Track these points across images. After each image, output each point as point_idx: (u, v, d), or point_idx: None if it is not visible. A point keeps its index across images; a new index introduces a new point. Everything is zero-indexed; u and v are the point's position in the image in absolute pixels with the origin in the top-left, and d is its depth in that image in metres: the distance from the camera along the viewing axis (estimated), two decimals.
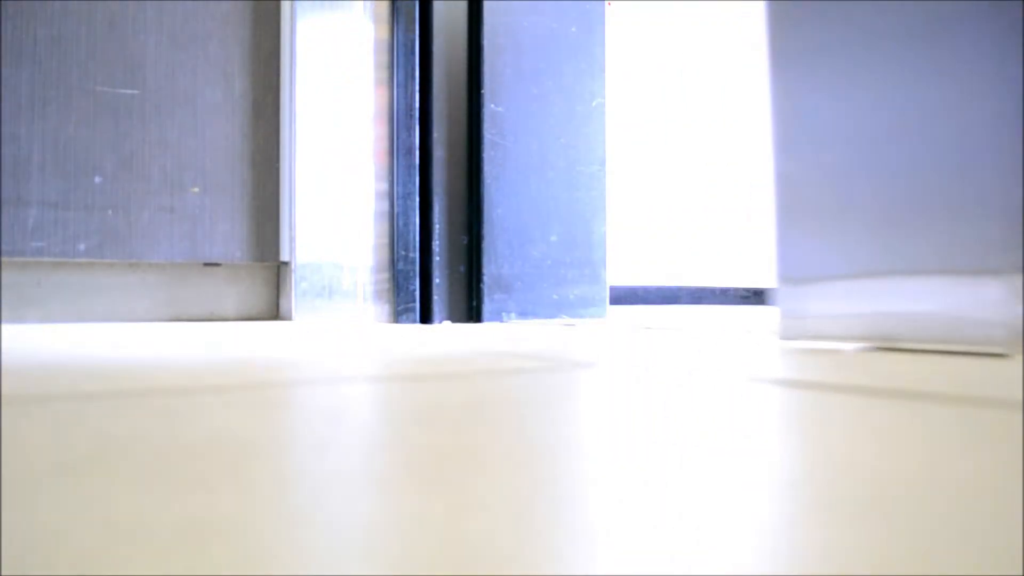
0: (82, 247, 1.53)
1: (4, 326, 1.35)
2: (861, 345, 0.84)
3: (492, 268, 1.60)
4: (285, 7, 1.71)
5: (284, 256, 1.69)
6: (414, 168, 1.69)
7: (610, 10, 3.83)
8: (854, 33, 0.83)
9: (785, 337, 0.89)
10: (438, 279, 1.64)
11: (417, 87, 1.69)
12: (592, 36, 1.75)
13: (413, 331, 1.25)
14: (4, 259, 1.48)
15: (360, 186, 1.73)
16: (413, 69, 1.70)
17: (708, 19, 4.44)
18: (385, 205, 1.75)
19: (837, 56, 0.85)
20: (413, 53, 1.70)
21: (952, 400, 0.46)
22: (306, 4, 1.68)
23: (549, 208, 1.67)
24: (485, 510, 0.23)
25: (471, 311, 1.63)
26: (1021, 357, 0.74)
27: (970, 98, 0.75)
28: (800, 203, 0.88)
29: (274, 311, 1.72)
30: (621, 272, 3.96)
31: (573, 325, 1.44)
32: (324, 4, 1.70)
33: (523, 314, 1.63)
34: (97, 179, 1.55)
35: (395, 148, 1.74)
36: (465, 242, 1.65)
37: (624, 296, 3.93)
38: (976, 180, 0.74)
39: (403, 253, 1.70)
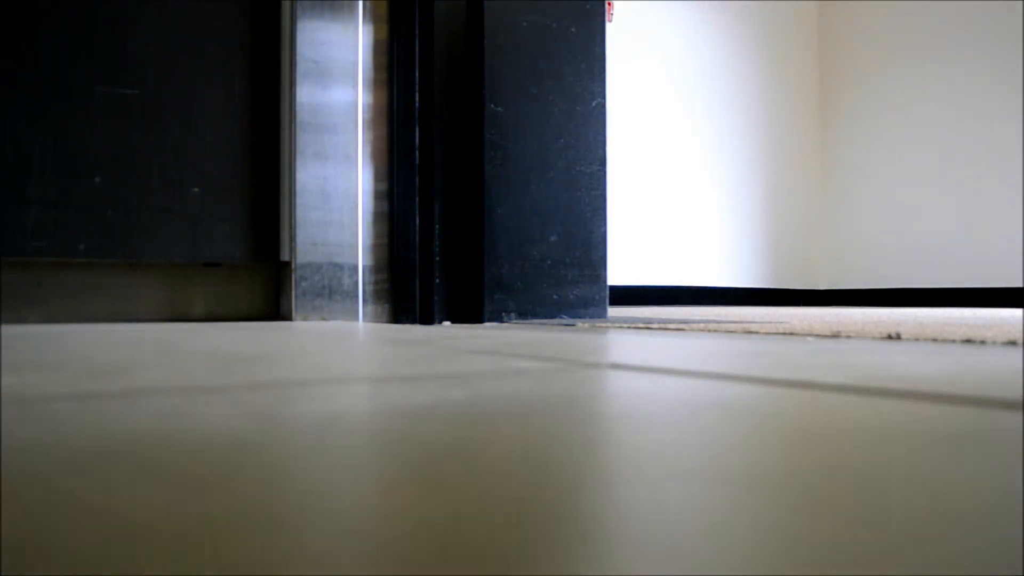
0: (82, 247, 1.53)
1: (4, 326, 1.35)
2: None
3: (492, 268, 1.60)
4: (285, 7, 1.71)
5: (284, 256, 1.69)
6: (414, 168, 1.69)
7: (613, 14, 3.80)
8: None
9: None
10: (438, 279, 1.64)
11: (417, 87, 1.69)
12: (592, 36, 1.75)
13: (414, 331, 1.25)
14: (4, 259, 1.48)
15: (360, 186, 1.73)
16: (413, 69, 1.70)
17: (709, 20, 4.44)
18: (385, 205, 1.75)
19: None
20: (413, 53, 1.70)
21: None
22: (306, 4, 1.68)
23: (549, 208, 1.67)
24: (485, 505, 0.23)
25: (471, 311, 1.62)
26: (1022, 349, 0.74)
27: None
28: None
29: (274, 311, 1.72)
30: (621, 272, 3.96)
31: (572, 324, 1.43)
32: (324, 4, 1.70)
33: (523, 314, 1.63)
34: (97, 179, 1.55)
35: (395, 148, 1.74)
36: (465, 242, 1.65)
37: (624, 296, 3.93)
38: None
39: (403, 253, 1.70)
